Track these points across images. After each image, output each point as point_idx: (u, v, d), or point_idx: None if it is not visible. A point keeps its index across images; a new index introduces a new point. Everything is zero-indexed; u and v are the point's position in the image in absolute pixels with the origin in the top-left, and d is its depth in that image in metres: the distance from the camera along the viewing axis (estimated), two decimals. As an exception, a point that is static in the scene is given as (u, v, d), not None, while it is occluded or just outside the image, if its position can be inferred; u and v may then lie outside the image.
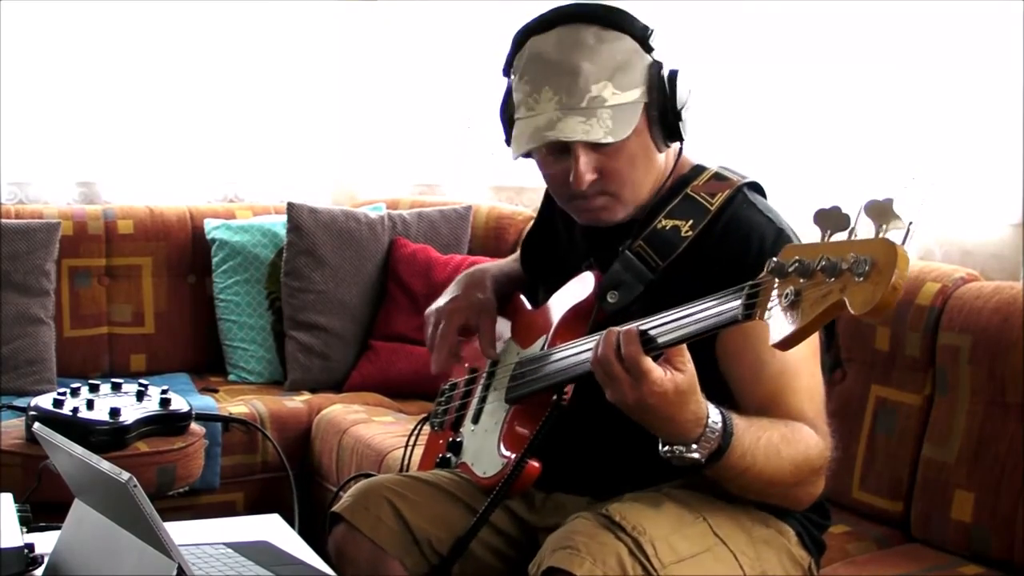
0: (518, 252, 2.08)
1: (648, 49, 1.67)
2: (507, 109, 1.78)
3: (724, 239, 1.67)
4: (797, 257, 1.26)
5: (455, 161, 3.93)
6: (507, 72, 1.77)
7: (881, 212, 1.25)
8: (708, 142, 2.91)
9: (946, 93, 2.51)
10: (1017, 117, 2.34)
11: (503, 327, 1.93)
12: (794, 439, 1.56)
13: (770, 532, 1.67)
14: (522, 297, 1.96)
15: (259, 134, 3.80)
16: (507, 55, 1.76)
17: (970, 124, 2.47)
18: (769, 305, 1.29)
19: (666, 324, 1.45)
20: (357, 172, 3.98)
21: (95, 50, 3.56)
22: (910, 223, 1.24)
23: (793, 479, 1.58)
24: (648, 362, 1.43)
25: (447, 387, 2.04)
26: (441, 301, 1.96)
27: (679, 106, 1.67)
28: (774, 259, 1.29)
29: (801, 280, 1.25)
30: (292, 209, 3.41)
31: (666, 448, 1.50)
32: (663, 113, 1.67)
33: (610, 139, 1.63)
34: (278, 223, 3.49)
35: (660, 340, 1.45)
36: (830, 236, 1.31)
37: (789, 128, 2.89)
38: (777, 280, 1.29)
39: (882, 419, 2.29)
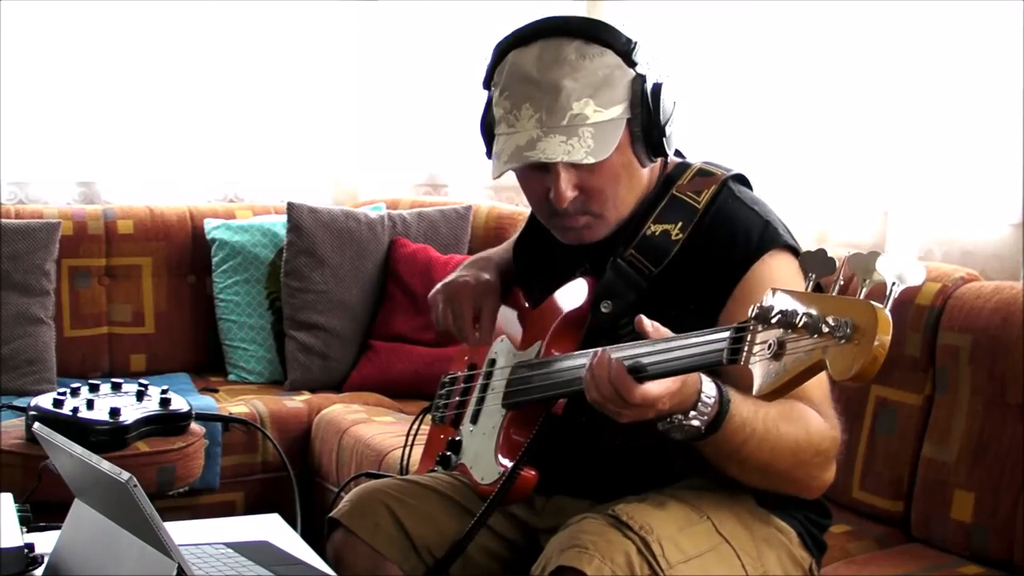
0: (511, 241, 2.05)
1: (631, 63, 1.64)
2: (487, 123, 1.74)
3: (712, 236, 1.66)
4: (781, 308, 1.24)
5: (455, 161, 3.93)
6: (487, 85, 1.73)
7: (863, 267, 1.23)
8: (701, 144, 2.93)
9: (946, 93, 2.51)
10: (1017, 117, 2.35)
11: (506, 316, 1.93)
12: (794, 416, 1.55)
13: (771, 531, 1.67)
14: (520, 294, 1.96)
15: (259, 134, 3.79)
16: (487, 67, 1.72)
17: (970, 124, 2.47)
18: (755, 351, 1.28)
19: (652, 355, 1.44)
20: (357, 172, 3.97)
21: (95, 50, 3.56)
22: (893, 284, 1.22)
23: (795, 457, 1.56)
24: (652, 391, 1.42)
25: (447, 380, 2.04)
26: (449, 278, 1.96)
27: (663, 121, 1.64)
28: (758, 305, 1.27)
29: (783, 331, 1.23)
30: (292, 209, 3.41)
31: (666, 420, 1.48)
32: (647, 129, 1.64)
33: (591, 159, 1.60)
34: (278, 223, 3.49)
35: (648, 371, 1.43)
36: (814, 280, 1.30)
37: (786, 128, 2.90)
38: (761, 326, 1.27)
39: (882, 419, 2.29)
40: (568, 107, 1.60)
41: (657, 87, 1.65)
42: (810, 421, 1.57)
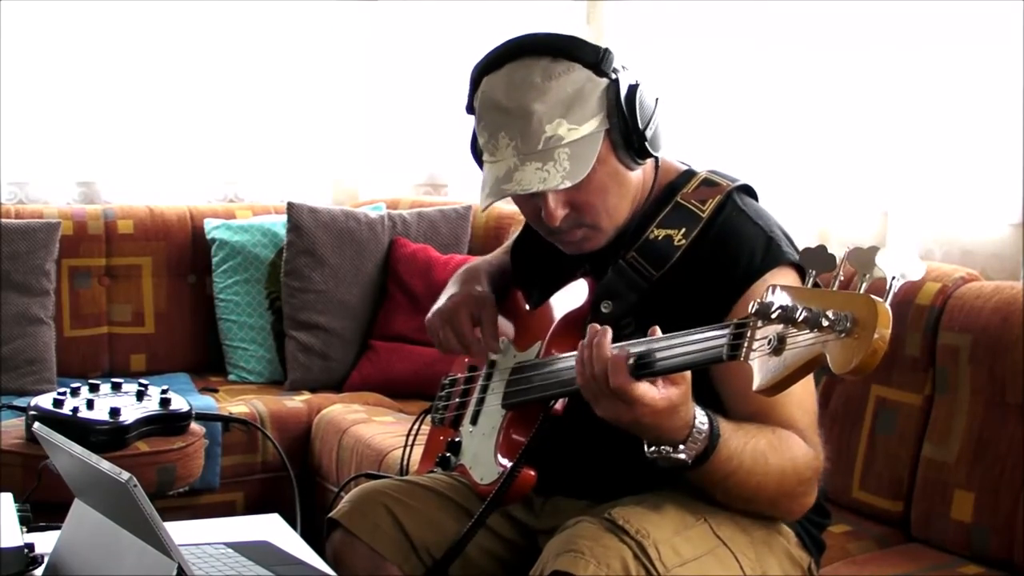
0: (508, 243, 2.06)
1: (602, 73, 1.62)
2: (476, 148, 1.74)
3: (715, 249, 1.65)
4: (781, 304, 1.24)
5: (455, 161, 3.93)
6: (470, 110, 1.73)
7: (864, 262, 1.23)
8: (701, 145, 2.94)
9: (945, 93, 2.51)
10: (1017, 117, 2.35)
11: (506, 318, 1.92)
12: (782, 447, 1.55)
13: (769, 533, 1.67)
14: (519, 295, 1.95)
15: (259, 134, 3.79)
16: (468, 93, 1.71)
17: (970, 124, 2.47)
18: (754, 346, 1.28)
19: (655, 351, 1.43)
20: (357, 172, 3.97)
21: (95, 50, 3.55)
22: (893, 278, 1.22)
23: (779, 488, 1.58)
24: (639, 388, 1.42)
25: (447, 382, 2.03)
26: (441, 301, 1.94)
27: (641, 125, 1.63)
28: (759, 301, 1.27)
29: (783, 327, 1.23)
30: (292, 209, 3.41)
31: (652, 449, 1.49)
32: (626, 135, 1.63)
33: (567, 183, 1.59)
34: (278, 223, 3.49)
35: (655, 367, 1.43)
36: (815, 276, 1.30)
37: (787, 128, 2.90)
38: (761, 322, 1.27)
39: (882, 419, 2.29)
40: (541, 131, 1.59)
41: (632, 90, 1.63)
42: (796, 450, 1.57)
